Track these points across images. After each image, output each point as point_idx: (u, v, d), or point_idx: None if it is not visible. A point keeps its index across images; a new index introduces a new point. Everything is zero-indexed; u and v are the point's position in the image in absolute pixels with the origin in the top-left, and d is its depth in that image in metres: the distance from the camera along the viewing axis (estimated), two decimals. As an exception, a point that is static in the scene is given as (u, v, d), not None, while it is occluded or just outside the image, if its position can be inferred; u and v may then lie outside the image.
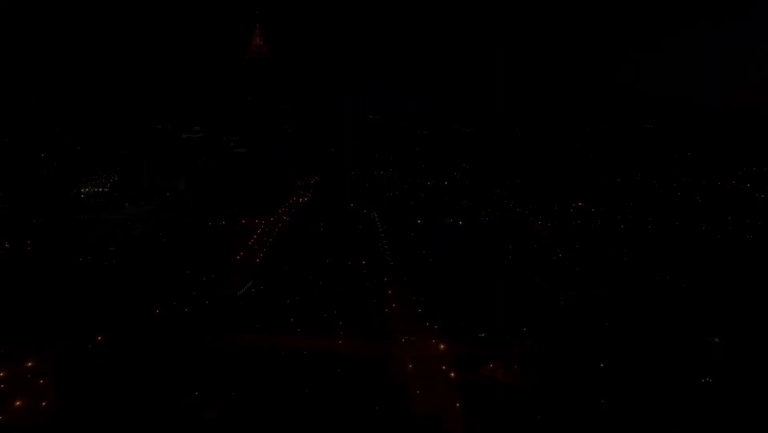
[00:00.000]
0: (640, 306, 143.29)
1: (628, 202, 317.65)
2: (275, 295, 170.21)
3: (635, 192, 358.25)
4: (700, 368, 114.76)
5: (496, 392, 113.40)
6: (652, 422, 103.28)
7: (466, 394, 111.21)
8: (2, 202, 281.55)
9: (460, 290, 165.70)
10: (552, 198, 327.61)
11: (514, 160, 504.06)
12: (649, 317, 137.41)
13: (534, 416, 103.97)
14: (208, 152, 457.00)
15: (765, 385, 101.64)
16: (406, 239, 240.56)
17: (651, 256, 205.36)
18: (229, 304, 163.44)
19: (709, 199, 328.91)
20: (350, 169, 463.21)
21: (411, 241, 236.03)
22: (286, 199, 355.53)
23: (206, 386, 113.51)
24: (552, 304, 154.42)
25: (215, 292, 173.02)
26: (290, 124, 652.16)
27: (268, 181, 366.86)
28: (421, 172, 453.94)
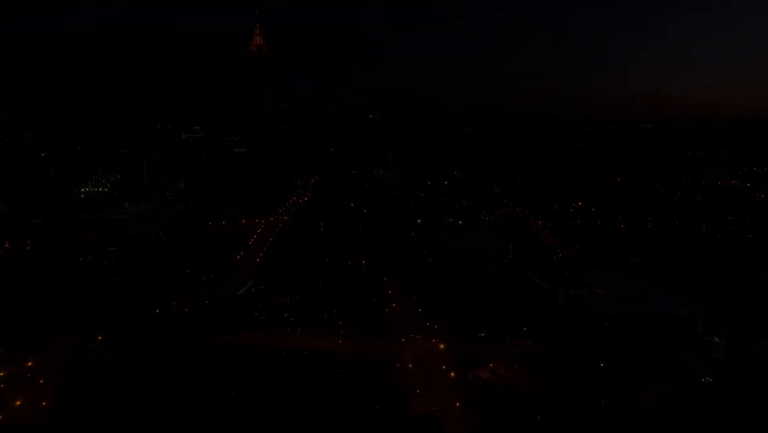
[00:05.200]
0: (639, 305, 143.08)
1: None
2: (275, 295, 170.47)
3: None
4: (700, 368, 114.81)
5: (496, 391, 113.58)
6: (651, 421, 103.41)
7: (466, 394, 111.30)
8: (2, 202, 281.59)
9: (460, 290, 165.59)
10: (552, 198, 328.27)
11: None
12: (648, 316, 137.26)
13: (534, 415, 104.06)
14: (208, 152, 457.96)
15: (765, 385, 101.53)
16: (406, 238, 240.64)
17: (651, 251, 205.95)
18: (229, 304, 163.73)
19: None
20: (350, 169, 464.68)
21: (411, 241, 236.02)
22: (286, 199, 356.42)
23: (206, 386, 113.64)
24: (552, 304, 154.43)
25: (215, 292, 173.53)
26: (290, 124, 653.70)
27: (268, 181, 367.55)
28: (421, 173, 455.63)
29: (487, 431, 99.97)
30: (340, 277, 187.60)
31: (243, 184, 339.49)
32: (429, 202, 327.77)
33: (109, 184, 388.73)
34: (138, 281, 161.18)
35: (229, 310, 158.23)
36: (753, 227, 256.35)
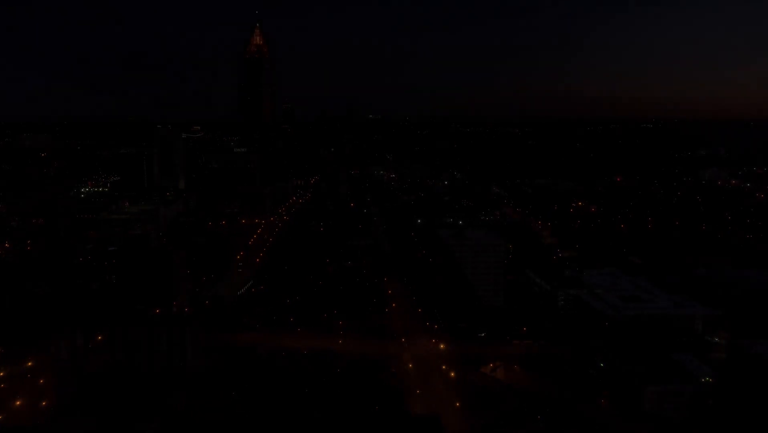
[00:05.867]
0: (639, 305, 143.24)
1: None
2: (275, 295, 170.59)
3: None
4: (700, 368, 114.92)
5: (496, 392, 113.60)
6: (651, 421, 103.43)
7: (466, 394, 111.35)
8: (2, 202, 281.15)
9: (460, 290, 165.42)
10: (552, 198, 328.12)
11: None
12: (648, 316, 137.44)
13: (534, 415, 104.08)
14: (208, 152, 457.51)
15: (765, 385, 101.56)
16: (406, 238, 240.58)
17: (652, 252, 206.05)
18: (229, 304, 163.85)
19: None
20: (350, 169, 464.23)
21: (411, 241, 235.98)
22: (286, 199, 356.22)
23: (206, 386, 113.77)
24: (552, 304, 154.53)
25: (215, 292, 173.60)
26: (290, 124, 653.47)
27: (268, 181, 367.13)
28: (422, 172, 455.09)
29: (486, 431, 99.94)
30: (340, 277, 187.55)
31: (243, 184, 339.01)
32: (429, 202, 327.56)
33: (109, 184, 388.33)
34: (138, 281, 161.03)
35: (229, 310, 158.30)
36: (753, 226, 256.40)
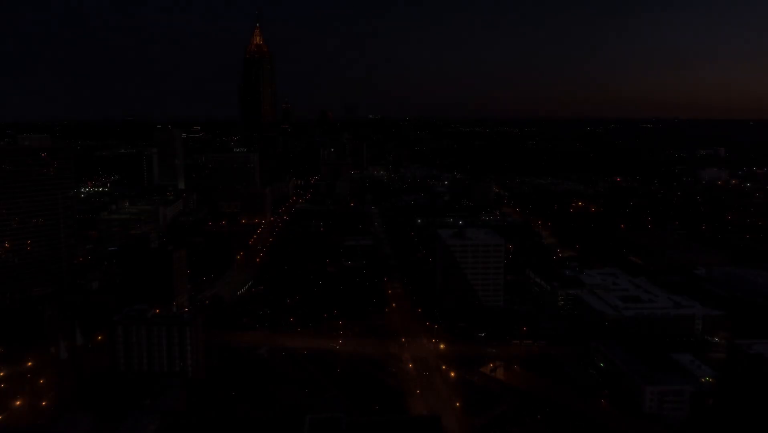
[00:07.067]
0: (639, 305, 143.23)
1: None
2: (275, 295, 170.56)
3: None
4: (700, 368, 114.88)
5: (496, 392, 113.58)
6: (651, 421, 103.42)
7: (466, 394, 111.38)
8: (3, 202, 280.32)
9: (460, 290, 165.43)
10: (552, 198, 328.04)
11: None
12: (648, 316, 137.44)
13: (534, 415, 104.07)
14: (207, 152, 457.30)
15: (764, 385, 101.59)
16: (406, 238, 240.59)
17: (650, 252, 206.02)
18: (229, 304, 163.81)
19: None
20: (350, 169, 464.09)
21: (411, 241, 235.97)
22: (286, 199, 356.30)
23: (207, 386, 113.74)
24: (552, 304, 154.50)
25: (215, 292, 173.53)
26: (290, 124, 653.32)
27: (268, 181, 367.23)
28: (422, 172, 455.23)
29: (486, 430, 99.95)
30: (340, 277, 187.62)
31: (243, 184, 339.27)
32: (429, 202, 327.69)
33: (109, 184, 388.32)
34: (138, 280, 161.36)
35: (229, 310, 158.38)
36: (753, 226, 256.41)
